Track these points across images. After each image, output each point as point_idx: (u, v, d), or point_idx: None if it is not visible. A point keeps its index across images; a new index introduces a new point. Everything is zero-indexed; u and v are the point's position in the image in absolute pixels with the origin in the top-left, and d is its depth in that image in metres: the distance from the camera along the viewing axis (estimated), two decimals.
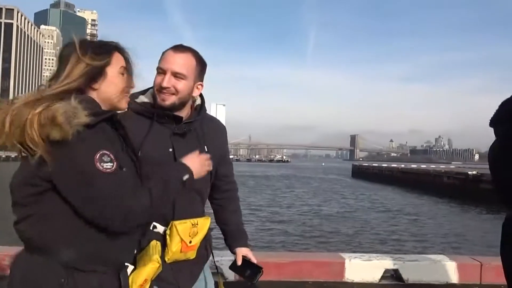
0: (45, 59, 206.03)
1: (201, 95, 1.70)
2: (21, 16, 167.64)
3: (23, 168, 1.14)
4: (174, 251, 1.48)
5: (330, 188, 36.68)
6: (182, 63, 1.52)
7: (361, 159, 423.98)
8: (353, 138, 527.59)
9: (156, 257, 1.36)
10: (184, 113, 1.60)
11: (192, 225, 1.53)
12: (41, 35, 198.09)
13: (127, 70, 1.28)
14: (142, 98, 1.58)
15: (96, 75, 1.20)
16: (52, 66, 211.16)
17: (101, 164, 1.09)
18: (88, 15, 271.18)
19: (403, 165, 53.79)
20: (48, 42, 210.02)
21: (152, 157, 1.43)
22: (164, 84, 1.49)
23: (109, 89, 1.24)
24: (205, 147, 1.59)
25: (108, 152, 1.12)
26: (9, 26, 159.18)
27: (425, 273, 4.07)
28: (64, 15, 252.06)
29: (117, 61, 1.25)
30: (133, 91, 1.38)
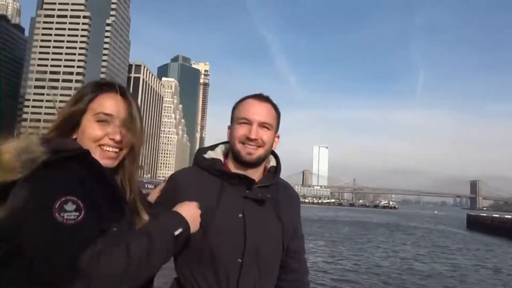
0: (164, 106, 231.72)
1: (275, 155, 1.53)
2: (147, 70, 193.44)
3: None
4: None
5: (435, 241, 32.16)
6: (267, 112, 1.41)
7: (484, 208, 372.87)
8: (473, 184, 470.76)
9: None
10: (257, 174, 1.43)
11: None
12: (162, 86, 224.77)
13: (114, 117, 1.11)
14: (211, 154, 1.45)
15: (72, 124, 1.07)
16: (170, 112, 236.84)
17: (61, 213, 0.90)
18: (201, 67, 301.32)
19: None
20: (167, 92, 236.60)
21: (222, 224, 1.31)
22: (253, 136, 1.36)
23: (82, 138, 1.09)
24: (281, 218, 1.42)
25: (74, 199, 0.93)
26: (136, 80, 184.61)
27: None
28: (182, 68, 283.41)
29: (99, 105, 1.11)
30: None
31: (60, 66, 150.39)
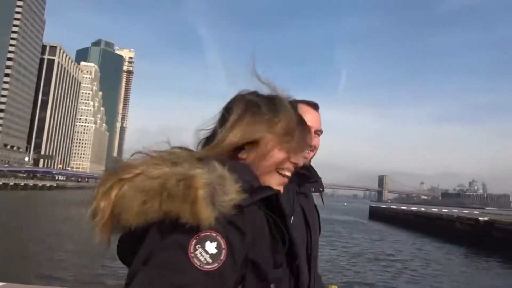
0: (82, 92, 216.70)
1: None
2: (63, 53, 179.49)
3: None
4: None
5: (339, 230, 35.61)
6: (320, 120, 1.54)
7: (389, 200, 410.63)
8: (381, 179, 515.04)
9: None
10: None
11: None
12: (79, 70, 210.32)
13: (295, 137, 0.92)
14: None
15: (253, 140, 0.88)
16: (88, 99, 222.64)
17: (197, 246, 0.66)
18: (126, 53, 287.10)
19: (423, 209, 51.85)
20: (86, 78, 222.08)
21: (293, 218, 1.37)
22: (312, 142, 1.47)
23: (261, 161, 0.89)
24: (316, 208, 1.58)
25: (223, 244, 0.67)
26: (50, 62, 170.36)
27: None
28: (104, 53, 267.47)
29: (285, 124, 0.92)
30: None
31: None
